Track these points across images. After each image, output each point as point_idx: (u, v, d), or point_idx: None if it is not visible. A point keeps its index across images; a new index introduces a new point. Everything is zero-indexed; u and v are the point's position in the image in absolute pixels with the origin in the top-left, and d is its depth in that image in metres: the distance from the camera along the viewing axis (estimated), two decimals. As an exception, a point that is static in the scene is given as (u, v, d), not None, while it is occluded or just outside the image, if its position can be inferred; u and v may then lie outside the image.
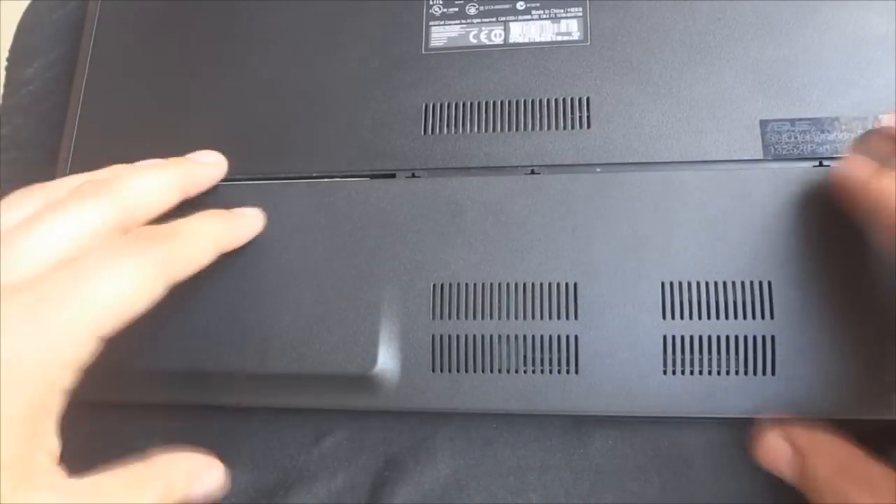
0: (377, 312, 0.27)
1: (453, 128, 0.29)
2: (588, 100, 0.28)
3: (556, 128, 0.28)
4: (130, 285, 0.22)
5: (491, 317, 0.26)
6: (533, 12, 0.30)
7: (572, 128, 0.28)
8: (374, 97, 0.30)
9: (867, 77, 0.27)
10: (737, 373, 0.25)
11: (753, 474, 0.26)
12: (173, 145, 0.30)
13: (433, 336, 0.26)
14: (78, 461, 0.20)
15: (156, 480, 0.21)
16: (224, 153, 0.28)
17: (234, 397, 0.28)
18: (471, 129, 0.29)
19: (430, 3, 0.31)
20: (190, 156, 0.28)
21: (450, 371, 0.26)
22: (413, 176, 0.28)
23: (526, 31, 0.30)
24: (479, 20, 0.30)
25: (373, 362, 0.26)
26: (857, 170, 0.24)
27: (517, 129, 0.28)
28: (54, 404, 0.20)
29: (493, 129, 0.29)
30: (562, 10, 0.30)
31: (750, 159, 0.27)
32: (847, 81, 0.27)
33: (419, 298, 0.27)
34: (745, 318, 0.25)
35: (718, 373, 0.25)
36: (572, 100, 0.28)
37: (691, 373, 0.25)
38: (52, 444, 0.20)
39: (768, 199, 0.26)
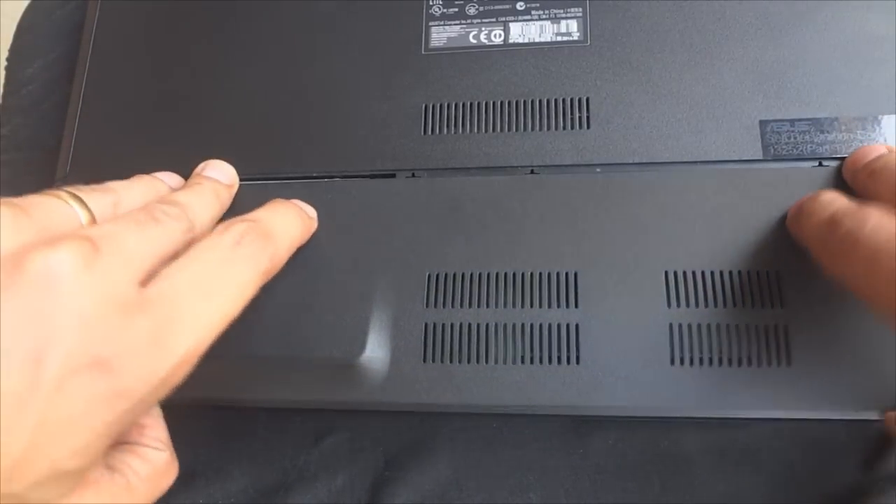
0: (369, 299, 0.26)
1: (453, 128, 0.29)
2: (588, 100, 0.28)
3: (556, 128, 0.28)
4: (241, 300, 0.21)
5: (487, 305, 0.26)
6: (533, 12, 0.30)
7: (572, 128, 0.28)
8: (374, 97, 0.30)
9: (867, 77, 0.27)
10: (749, 363, 0.24)
11: (753, 474, 0.26)
12: (173, 145, 0.30)
13: (426, 324, 0.26)
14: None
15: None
16: (224, 153, 0.28)
17: (218, 390, 0.26)
18: (471, 130, 0.29)
19: (430, 3, 0.31)
20: (205, 169, 0.28)
21: (442, 361, 0.25)
22: (413, 176, 0.28)
23: (526, 31, 0.30)
24: (478, 20, 0.30)
25: (361, 348, 0.25)
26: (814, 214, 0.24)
27: (517, 130, 0.28)
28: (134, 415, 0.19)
29: (493, 130, 0.29)
30: (562, 11, 0.30)
31: (750, 159, 0.27)
32: (847, 81, 0.27)
33: (413, 287, 0.26)
34: (753, 307, 0.24)
35: (730, 363, 0.24)
36: (572, 100, 0.28)
37: (700, 362, 0.24)
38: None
39: (768, 199, 0.26)
